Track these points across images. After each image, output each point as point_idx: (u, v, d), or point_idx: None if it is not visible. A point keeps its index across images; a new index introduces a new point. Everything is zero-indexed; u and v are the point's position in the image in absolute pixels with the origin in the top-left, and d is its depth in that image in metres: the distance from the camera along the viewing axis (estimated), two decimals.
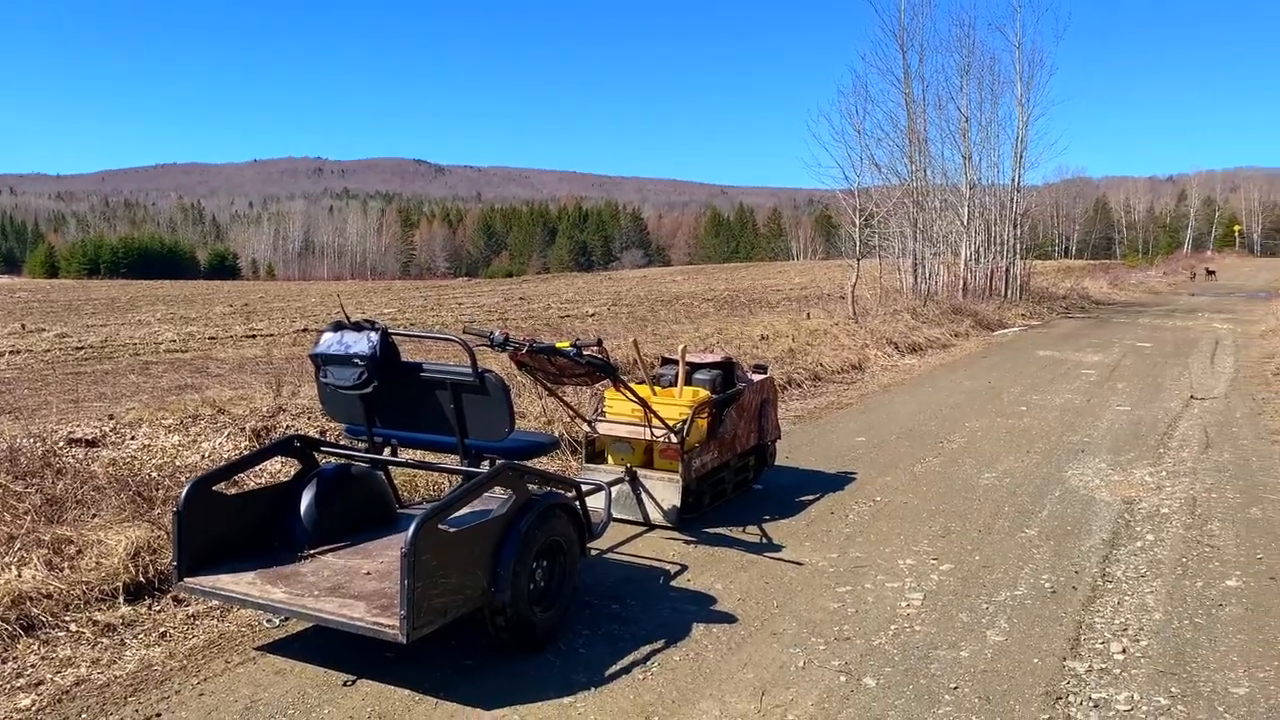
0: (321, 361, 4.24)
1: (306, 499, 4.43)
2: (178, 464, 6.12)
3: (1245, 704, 3.70)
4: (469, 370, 4.00)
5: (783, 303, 25.29)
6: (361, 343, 4.10)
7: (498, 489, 4.08)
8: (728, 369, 6.64)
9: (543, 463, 6.90)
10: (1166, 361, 14.53)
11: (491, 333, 4.61)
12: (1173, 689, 3.82)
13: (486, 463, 4.23)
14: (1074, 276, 36.86)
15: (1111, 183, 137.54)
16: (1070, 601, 4.75)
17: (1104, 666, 4.02)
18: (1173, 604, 4.73)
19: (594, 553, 5.25)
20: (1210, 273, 48.85)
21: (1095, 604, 4.72)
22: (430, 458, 4.87)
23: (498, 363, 6.95)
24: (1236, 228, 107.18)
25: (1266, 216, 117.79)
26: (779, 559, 5.37)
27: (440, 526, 3.62)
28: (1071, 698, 3.74)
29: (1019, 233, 26.00)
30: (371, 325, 4.16)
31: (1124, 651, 4.17)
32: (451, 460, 4.42)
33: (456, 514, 3.84)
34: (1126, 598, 4.82)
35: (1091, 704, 3.69)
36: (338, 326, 4.22)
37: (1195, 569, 5.24)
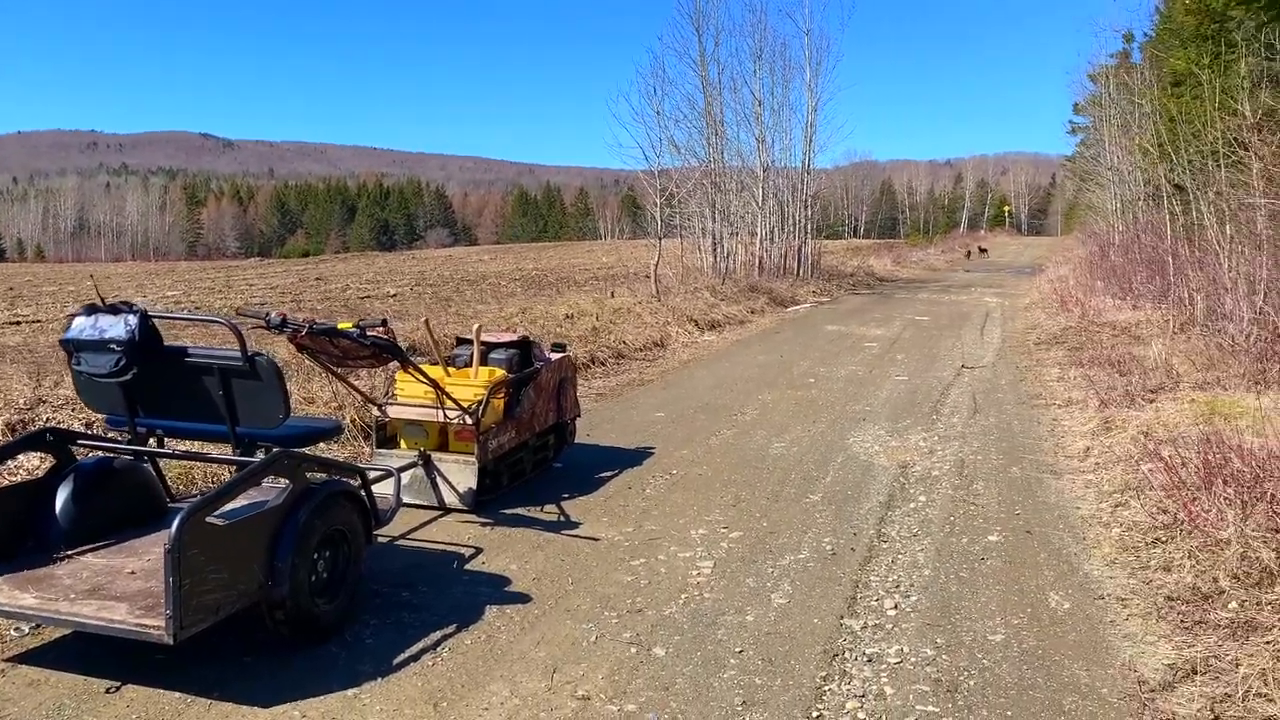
0: (74, 348, 3.92)
1: (62, 496, 4.10)
2: None
3: (1001, 649, 4.01)
4: (238, 354, 3.79)
5: (590, 282, 25.39)
6: (118, 326, 3.81)
7: (277, 478, 3.90)
8: (525, 348, 6.60)
9: (331, 449, 6.67)
10: (942, 334, 15.52)
11: (267, 314, 4.38)
12: (938, 640, 4.09)
13: (261, 451, 4.03)
14: (861, 255, 38.84)
15: (896, 166, 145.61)
16: (849, 562, 5.00)
17: (878, 623, 4.26)
18: (941, 560, 5.06)
19: (384, 540, 5.12)
20: (983, 250, 52.50)
21: (871, 564, 4.99)
22: (205, 447, 4.60)
23: (286, 348, 6.64)
24: (1006, 208, 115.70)
25: (1032, 198, 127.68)
26: (575, 536, 5.40)
27: (210, 519, 3.42)
28: (847, 654, 3.94)
29: (810, 213, 27.08)
30: (129, 307, 3.88)
31: (896, 607, 4.43)
32: (225, 449, 4.19)
33: (230, 506, 3.64)
34: (900, 556, 5.11)
35: (865, 659, 3.90)
36: (91, 309, 3.91)
37: (962, 526, 5.62)
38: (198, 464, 5.56)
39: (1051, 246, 53.37)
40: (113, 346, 3.80)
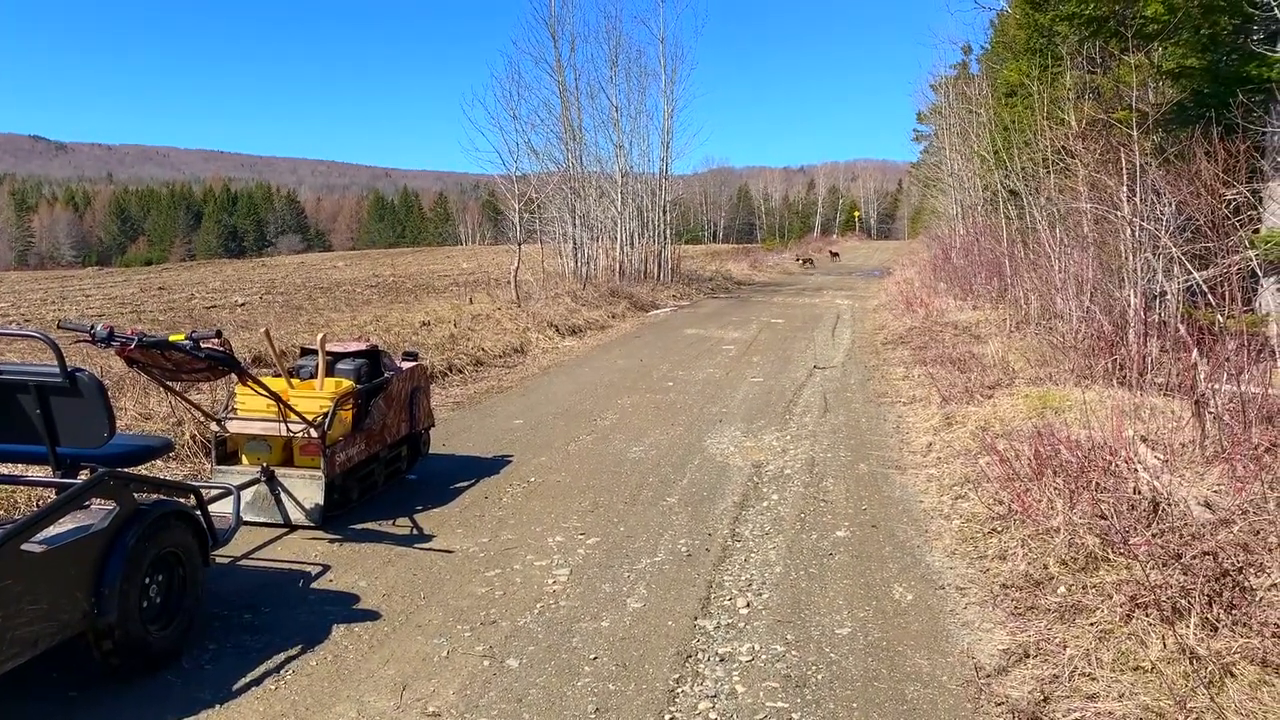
0: None
1: None
2: None
3: (848, 642, 4.12)
4: (57, 370, 3.56)
5: (450, 288, 25.02)
6: None
7: (105, 500, 3.68)
8: (374, 357, 6.44)
9: (172, 468, 6.37)
10: (795, 336, 15.92)
11: (93, 327, 4.14)
12: (788, 636, 4.18)
13: (86, 472, 3.80)
14: (720, 260, 39.51)
15: (752, 172, 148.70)
16: (703, 563, 5.06)
17: (730, 622, 4.32)
18: (792, 557, 5.17)
19: (225, 560, 4.91)
20: (834, 254, 54.15)
21: (725, 563, 5.07)
22: (22, 470, 4.31)
23: (119, 362, 6.29)
24: (857, 213, 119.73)
25: (881, 203, 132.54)
26: (429, 549, 5.29)
27: (25, 547, 3.20)
28: (700, 655, 3.99)
29: (669, 219, 27.43)
30: None
31: (748, 606, 4.50)
32: (46, 471, 3.93)
33: (51, 531, 3.42)
34: (753, 555, 5.21)
35: (718, 659, 3.95)
36: None
37: (812, 523, 5.77)
38: (19, 488, 5.21)
39: (899, 250, 55.59)
40: None
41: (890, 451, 7.53)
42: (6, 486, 5.14)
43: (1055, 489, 5.34)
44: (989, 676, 3.78)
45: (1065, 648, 3.88)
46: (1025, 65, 16.22)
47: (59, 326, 4.10)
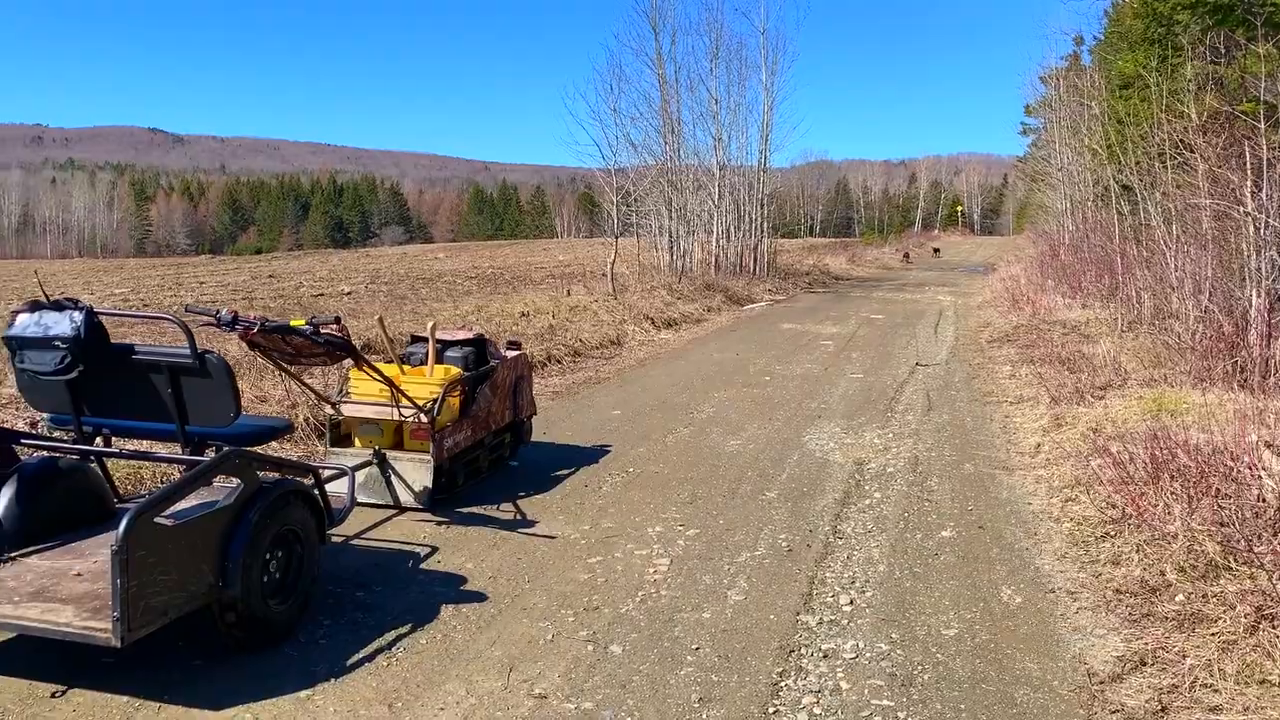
0: (16, 345, 3.83)
1: (5, 497, 4.01)
2: None
3: (955, 643, 4.05)
4: (188, 352, 3.72)
5: (546, 280, 25.31)
6: (63, 324, 3.73)
7: (229, 478, 3.84)
8: (480, 346, 6.57)
9: (285, 448, 6.59)
10: (896, 332, 15.67)
11: (218, 311, 4.30)
12: (893, 635, 4.12)
13: (211, 450, 3.97)
14: (817, 254, 39.12)
15: (851, 165, 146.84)
16: (805, 559, 5.03)
17: (833, 618, 4.29)
18: (895, 556, 5.10)
19: (339, 539, 5.06)
20: (935, 250, 53.10)
21: (827, 560, 5.03)
22: (157, 447, 4.52)
23: (238, 345, 6.54)
24: (959, 208, 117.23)
25: (985, 198, 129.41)
26: (532, 534, 5.37)
27: (158, 520, 3.36)
28: (803, 650, 3.97)
29: (766, 212, 27.24)
30: (75, 304, 3.79)
31: (851, 603, 4.46)
32: (175, 449, 4.11)
33: (179, 506, 3.58)
34: (855, 552, 5.15)
35: (821, 654, 3.92)
36: (35, 306, 3.82)
37: (916, 522, 5.68)
38: (146, 464, 5.47)
39: (1003, 246, 54.22)
40: (58, 344, 3.72)
41: (997, 452, 7.36)
42: (135, 462, 5.39)
43: (1172, 494, 5.15)
44: (1103, 683, 3.67)
45: (1185, 657, 3.74)
46: (1142, 56, 15.64)
47: (186, 311, 4.28)
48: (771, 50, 26.63)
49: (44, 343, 3.75)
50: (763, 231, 26.76)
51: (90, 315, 3.76)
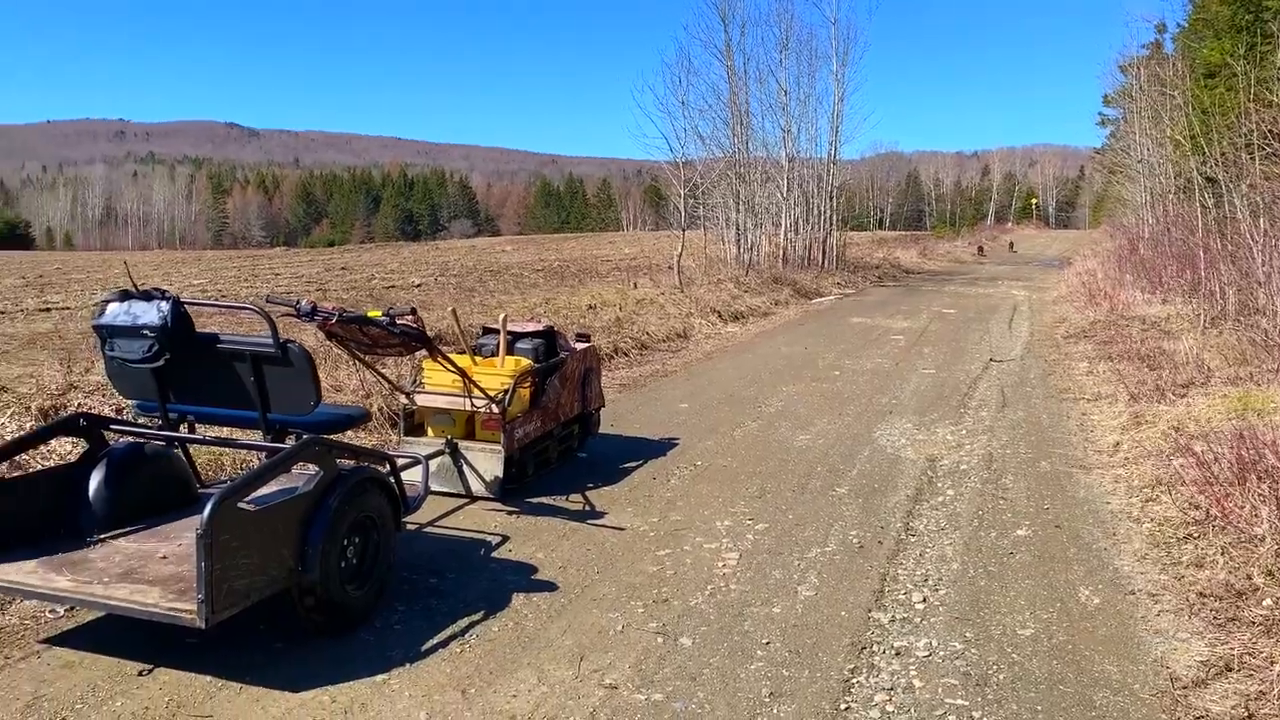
0: (107, 333, 3.95)
1: (95, 481, 4.14)
2: None
3: (1030, 644, 3.97)
4: (270, 341, 3.81)
5: (612, 273, 25.39)
6: (151, 313, 3.84)
7: (308, 465, 3.92)
8: (550, 338, 6.61)
9: (358, 437, 6.70)
10: (969, 327, 15.41)
11: (298, 302, 4.39)
12: (967, 634, 4.06)
13: (292, 438, 4.05)
14: (887, 247, 38.59)
15: (922, 157, 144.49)
16: (876, 556, 4.97)
17: (906, 616, 4.23)
18: (969, 554, 5.02)
19: (412, 527, 5.14)
20: (1010, 244, 52.03)
21: (899, 557, 4.97)
22: (234, 434, 4.63)
23: (313, 335, 6.68)
24: (1034, 201, 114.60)
25: (1060, 190, 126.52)
26: (601, 525, 5.40)
27: (241, 505, 3.44)
28: (875, 647, 3.92)
29: (835, 204, 26.97)
30: (162, 294, 3.90)
31: (924, 601, 4.40)
32: (255, 436, 4.21)
33: (260, 491, 3.66)
34: (928, 550, 5.08)
35: (894, 652, 3.88)
36: (124, 295, 3.93)
37: (990, 520, 5.58)
38: (226, 450, 5.60)
39: (1079, 240, 52.94)
40: (146, 332, 3.82)
41: (1074, 450, 7.20)
42: (215, 449, 5.52)
43: (1260, 495, 4.99)
44: (1186, 688, 3.58)
45: (1274, 664, 3.63)
46: (1229, 44, 15.15)
47: (267, 301, 4.37)
48: (843, 41, 26.34)
49: (133, 331, 3.86)
50: (831, 224, 26.50)
51: (177, 305, 3.86)
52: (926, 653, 3.87)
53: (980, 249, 43.61)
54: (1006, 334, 14.56)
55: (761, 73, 25.05)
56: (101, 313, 3.96)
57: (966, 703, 3.48)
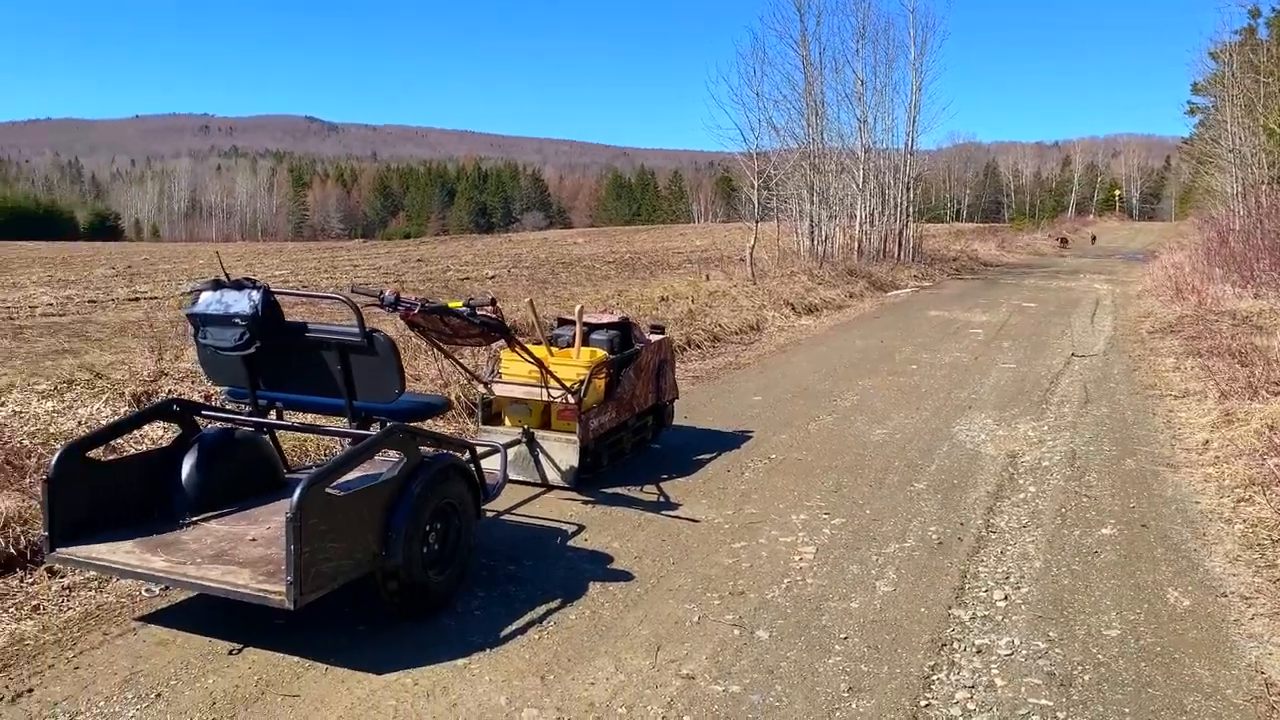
0: (200, 322, 4.07)
1: (188, 465, 4.27)
2: (51, 431, 5.83)
3: (1117, 644, 3.88)
4: (356, 330, 3.89)
5: (683, 265, 25.36)
6: (242, 302, 3.94)
7: (389, 451, 4.00)
8: (625, 329, 6.63)
9: (437, 425, 6.80)
10: (1050, 321, 15.07)
11: (381, 292, 4.47)
12: (1050, 633, 3.98)
13: (376, 425, 4.13)
14: (964, 239, 37.92)
15: (1001, 148, 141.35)
16: (956, 552, 4.90)
17: (987, 614, 4.17)
18: (1052, 552, 4.92)
19: (490, 514, 5.20)
20: (1091, 236, 50.67)
21: (980, 554, 4.89)
22: (320, 420, 4.74)
23: (393, 325, 6.80)
24: (1117, 192, 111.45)
25: (1144, 181, 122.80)
26: (676, 517, 5.41)
27: (328, 490, 3.52)
28: (956, 644, 3.87)
29: (912, 196, 26.57)
30: (253, 284, 4.00)
31: (1006, 599, 4.33)
32: (340, 423, 4.31)
33: (345, 477, 3.74)
34: (1009, 547, 4.99)
35: (975, 650, 3.82)
36: (217, 285, 4.05)
37: (1074, 518, 5.46)
38: (309, 436, 5.73)
39: (1164, 232, 51.35)
40: (237, 321, 3.93)
41: (1160, 448, 7.00)
42: (299, 434, 5.66)
43: None
44: None
45: None
46: None
47: (353, 291, 4.47)
48: (921, 29, 25.93)
49: (225, 320, 3.97)
50: (908, 216, 26.11)
51: (267, 294, 3.96)
52: (1009, 651, 3.81)
53: (1064, 241, 42.58)
54: (1089, 328, 14.20)
55: (837, 62, 24.81)
56: (195, 302, 4.07)
57: (1050, 703, 3.41)
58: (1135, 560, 4.82)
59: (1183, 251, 26.31)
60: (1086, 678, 3.60)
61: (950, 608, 4.22)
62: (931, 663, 3.70)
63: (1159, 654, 3.80)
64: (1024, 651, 3.81)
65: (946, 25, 54.74)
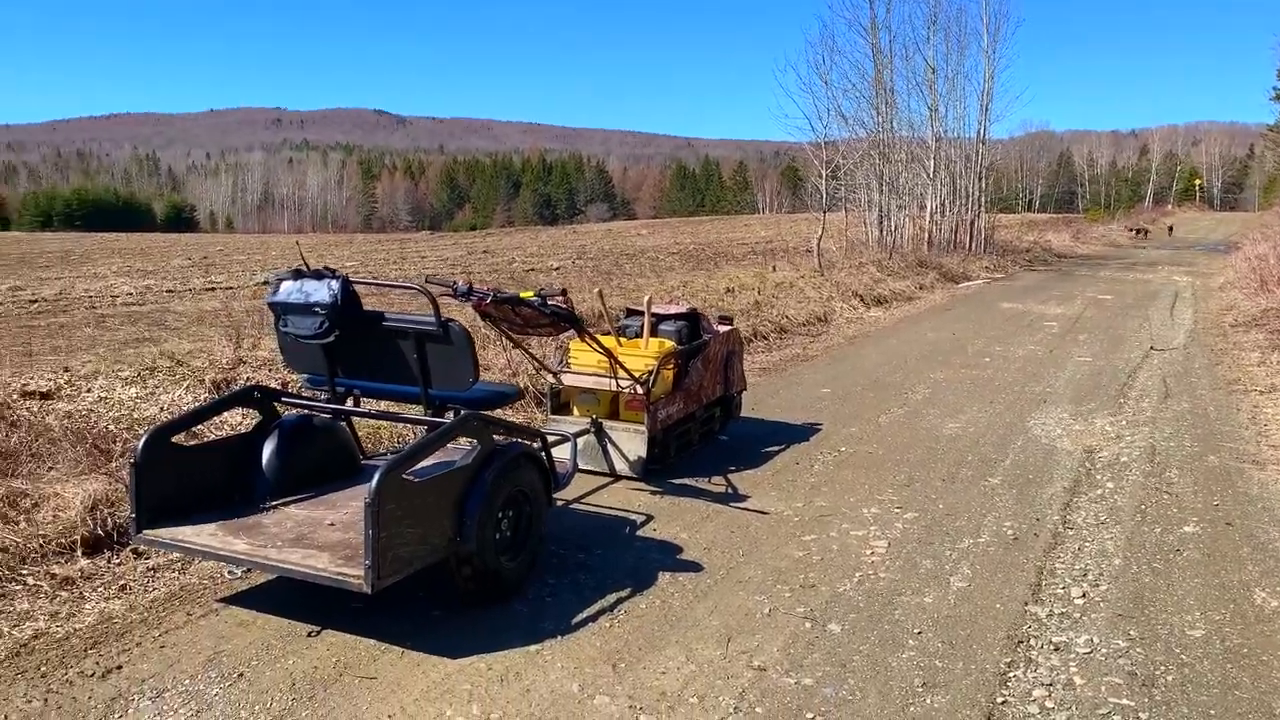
0: (281, 310, 4.15)
1: (268, 450, 4.37)
2: (135, 416, 6.02)
3: (1201, 645, 3.77)
4: (432, 320, 3.93)
5: (748, 256, 25.21)
6: (322, 291, 4.01)
7: (462, 439, 4.05)
8: (693, 320, 6.62)
9: (506, 414, 6.87)
10: (1127, 313, 14.70)
11: (455, 282, 4.52)
12: (1131, 632, 3.89)
13: (450, 413, 4.18)
14: (1037, 230, 37.13)
15: (1075, 136, 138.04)
16: (1032, 548, 4.81)
17: (1064, 611, 4.08)
18: (1132, 550, 4.80)
19: (561, 503, 5.24)
20: (1169, 227, 49.26)
21: (1056, 550, 4.79)
22: (394, 408, 4.81)
23: (461, 314, 6.87)
24: (1197, 181, 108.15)
25: (1226, 170, 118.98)
26: (744, 508, 5.39)
27: (404, 476, 3.58)
28: (1033, 641, 3.80)
29: (984, 186, 26.10)
30: (332, 273, 4.07)
31: (1084, 596, 4.23)
32: (415, 411, 4.37)
33: (421, 464, 3.80)
34: (1087, 544, 4.89)
35: (1052, 647, 3.75)
36: (297, 274, 4.12)
37: (1154, 515, 5.32)
38: (384, 423, 5.82)
39: (1247, 222, 49.70)
40: (317, 309, 4.00)
41: (1245, 444, 6.79)
42: (373, 421, 5.75)
43: None
44: None
45: None
46: None
47: (427, 281, 4.52)
48: (993, 16, 25.46)
49: (305, 309, 4.04)
50: (979, 206, 25.65)
51: (346, 284, 4.03)
52: (1088, 649, 3.73)
53: (1144, 231, 41.48)
54: (1168, 321, 13.82)
55: (908, 50, 24.42)
56: (276, 291, 4.15)
57: (1132, 703, 3.33)
58: (1219, 559, 4.68)
59: (1267, 243, 25.42)
60: (1170, 678, 3.51)
61: (1026, 604, 4.14)
62: (1008, 659, 3.64)
63: (1246, 656, 3.69)
64: (1104, 650, 3.72)
65: (1021, 12, 53.60)
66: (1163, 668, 3.59)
